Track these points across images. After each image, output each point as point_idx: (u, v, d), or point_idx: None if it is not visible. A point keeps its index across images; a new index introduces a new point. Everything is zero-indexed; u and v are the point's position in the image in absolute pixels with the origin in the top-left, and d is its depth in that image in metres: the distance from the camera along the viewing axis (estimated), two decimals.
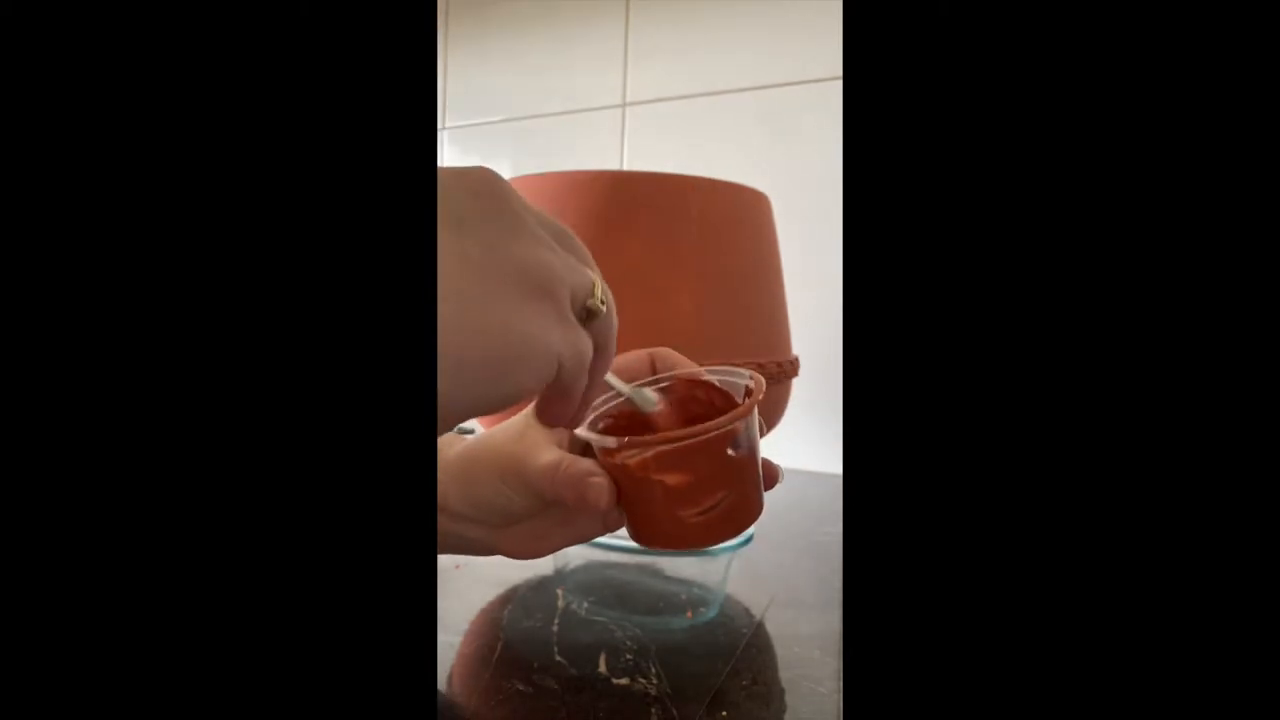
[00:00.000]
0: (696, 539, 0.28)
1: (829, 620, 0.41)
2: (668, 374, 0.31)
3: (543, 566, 0.47)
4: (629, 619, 0.39)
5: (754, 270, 0.50)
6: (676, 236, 0.46)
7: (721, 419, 0.26)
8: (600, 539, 0.52)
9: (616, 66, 0.93)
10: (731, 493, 0.28)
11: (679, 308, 0.46)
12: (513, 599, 0.42)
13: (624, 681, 0.32)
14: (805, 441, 0.81)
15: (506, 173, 0.95)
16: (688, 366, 0.31)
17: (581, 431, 0.28)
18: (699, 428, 0.26)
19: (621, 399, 0.30)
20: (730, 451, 0.27)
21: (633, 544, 0.52)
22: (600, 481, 0.27)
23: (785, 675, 0.34)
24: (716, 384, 0.31)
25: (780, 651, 0.37)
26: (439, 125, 1.04)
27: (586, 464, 0.28)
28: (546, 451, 0.29)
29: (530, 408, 0.31)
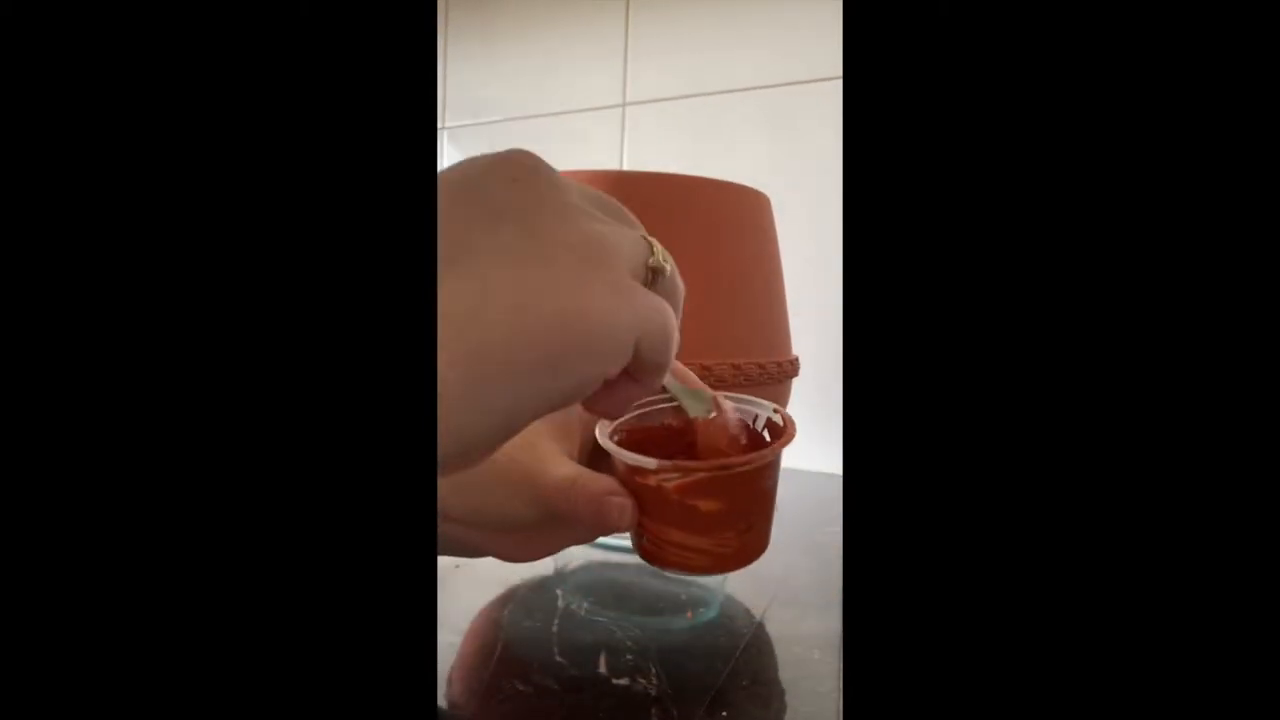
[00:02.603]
0: (710, 566, 0.28)
1: (829, 620, 0.40)
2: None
3: (543, 567, 0.47)
4: (629, 619, 0.39)
5: (754, 270, 0.49)
6: (676, 236, 0.46)
7: (764, 451, 0.25)
8: (601, 539, 0.52)
9: (616, 66, 0.93)
10: (755, 525, 0.27)
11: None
12: (513, 599, 0.41)
13: (624, 681, 0.32)
14: (805, 441, 0.81)
15: None
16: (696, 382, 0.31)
17: (606, 444, 0.27)
18: (750, 457, 0.25)
19: (629, 415, 0.29)
20: (765, 484, 0.27)
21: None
22: (622, 501, 0.26)
23: (785, 675, 0.34)
24: (731, 409, 0.30)
25: (780, 652, 0.37)
26: (439, 125, 1.04)
27: (606, 481, 0.26)
28: (559, 465, 0.27)
29: None
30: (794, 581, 0.46)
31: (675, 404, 0.29)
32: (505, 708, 0.30)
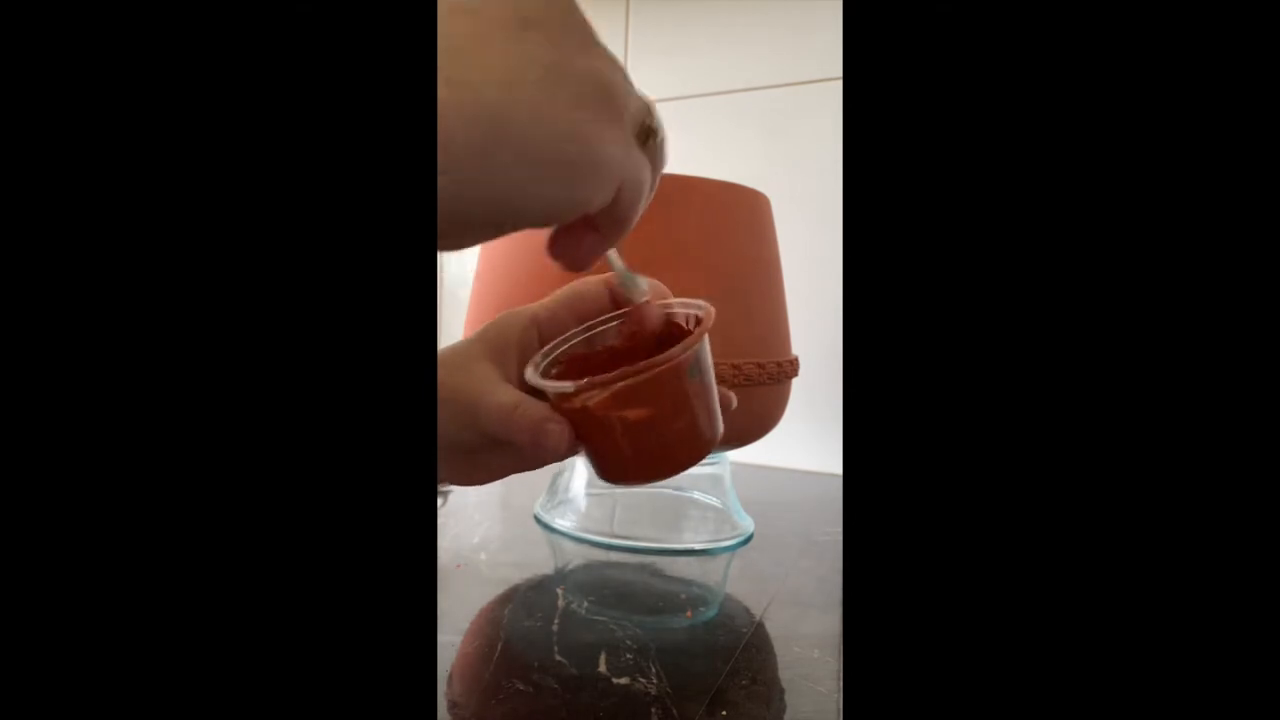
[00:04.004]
0: (661, 468, 0.28)
1: (829, 620, 0.41)
2: (623, 310, 0.31)
3: (543, 566, 0.47)
4: (629, 619, 0.39)
5: (754, 270, 0.50)
6: (677, 236, 0.46)
7: (673, 350, 0.26)
8: (600, 539, 0.52)
9: None
10: (691, 420, 0.28)
11: None
12: (513, 599, 0.42)
13: (624, 681, 0.32)
14: (805, 441, 0.81)
15: None
16: (670, 298, 0.31)
17: (532, 378, 0.28)
18: (654, 360, 0.26)
19: (571, 343, 0.30)
20: (687, 380, 0.27)
21: (633, 544, 0.52)
22: (557, 428, 0.26)
23: (785, 675, 0.34)
24: (670, 315, 0.31)
25: (780, 651, 0.37)
26: None
27: (543, 408, 0.27)
28: (500, 392, 0.27)
29: (472, 337, 0.30)
30: (794, 581, 0.46)
31: (616, 326, 0.31)
32: (505, 707, 0.30)
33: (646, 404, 0.27)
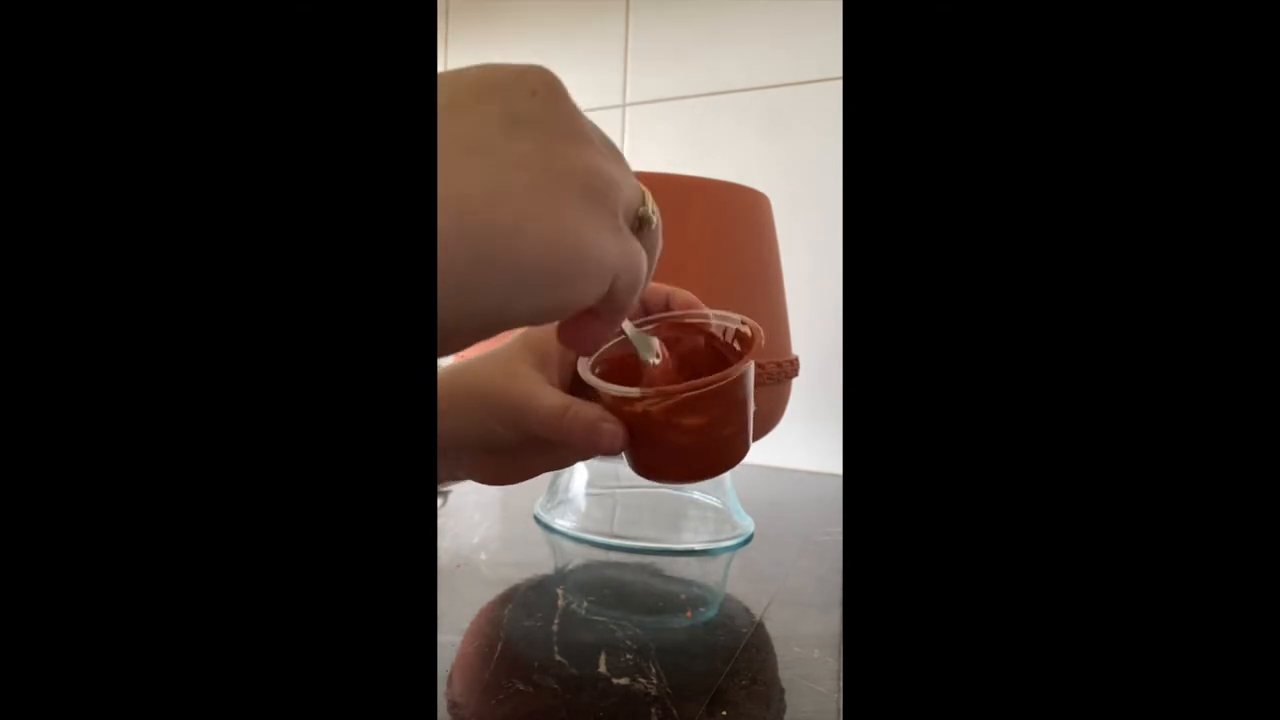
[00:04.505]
0: (704, 471, 0.31)
1: (829, 620, 0.41)
2: (655, 316, 0.32)
3: (543, 566, 0.47)
4: (629, 619, 0.39)
5: (754, 270, 0.50)
6: (677, 236, 0.46)
7: (735, 367, 0.28)
8: (600, 539, 0.52)
9: (616, 66, 0.93)
10: (736, 429, 0.30)
11: None
12: (513, 598, 0.42)
13: (624, 681, 0.32)
14: (805, 441, 0.81)
15: None
16: (700, 308, 0.32)
17: (590, 378, 0.29)
18: (720, 375, 0.27)
19: (608, 346, 0.31)
20: (740, 394, 0.29)
21: (633, 544, 0.52)
22: (612, 428, 0.28)
23: (785, 675, 0.34)
24: (703, 325, 0.32)
25: (780, 651, 0.37)
26: None
27: (595, 409, 0.28)
28: (547, 394, 0.29)
29: (513, 340, 0.31)
30: (794, 581, 0.46)
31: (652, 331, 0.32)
32: (506, 707, 0.30)
33: (705, 413, 0.29)
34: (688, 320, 0.32)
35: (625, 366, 0.31)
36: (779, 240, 0.54)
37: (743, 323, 0.31)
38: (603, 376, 0.29)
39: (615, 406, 0.29)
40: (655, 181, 0.47)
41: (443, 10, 1.04)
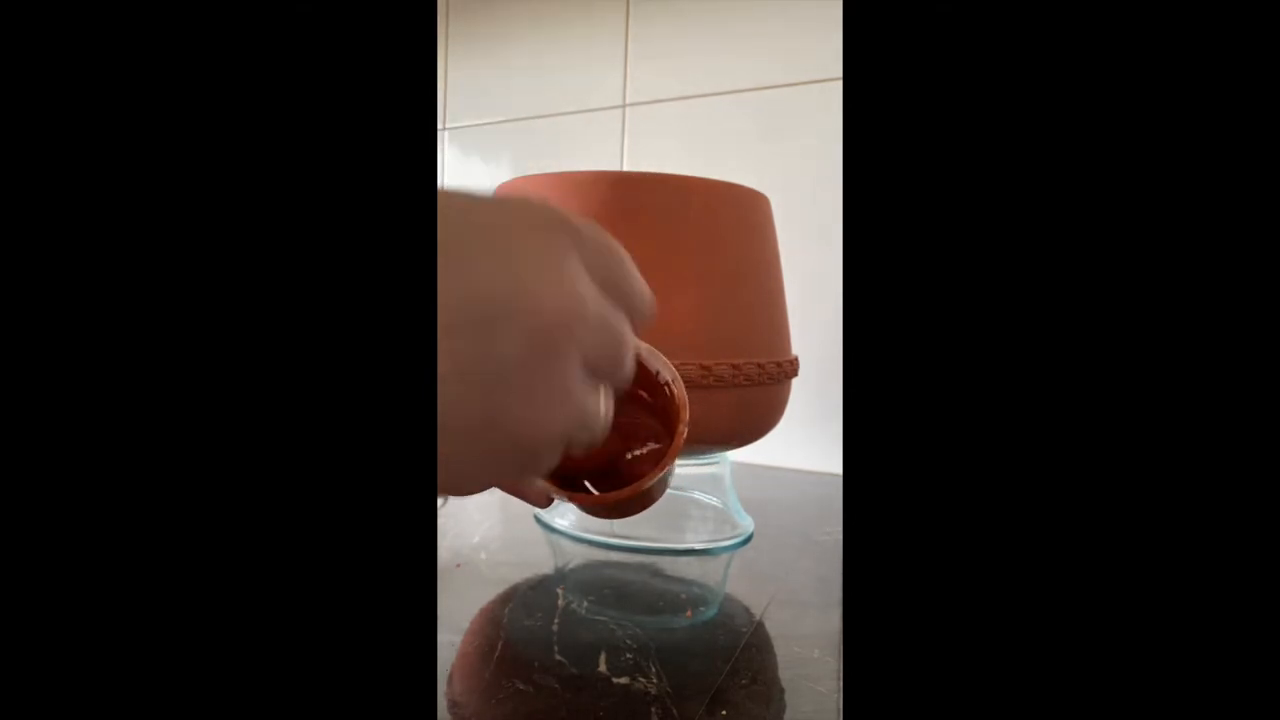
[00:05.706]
0: (620, 518, 0.36)
1: (829, 620, 0.41)
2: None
3: (543, 566, 0.47)
4: (629, 618, 0.39)
5: (754, 270, 0.49)
6: (676, 236, 0.46)
7: (648, 478, 0.30)
8: (600, 539, 0.52)
9: (616, 66, 0.93)
10: (654, 498, 0.33)
11: (679, 308, 0.46)
12: (513, 598, 0.42)
13: (624, 680, 0.32)
14: (805, 441, 0.81)
15: (506, 173, 0.95)
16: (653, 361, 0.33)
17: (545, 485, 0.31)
18: (635, 487, 0.30)
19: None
20: (664, 486, 0.32)
21: (633, 543, 0.52)
22: (540, 492, 0.31)
23: (785, 675, 0.34)
24: (640, 359, 0.32)
25: (780, 651, 0.37)
26: (439, 125, 1.04)
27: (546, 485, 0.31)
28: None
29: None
30: (794, 581, 0.46)
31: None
32: (505, 707, 0.30)
33: (626, 510, 0.33)
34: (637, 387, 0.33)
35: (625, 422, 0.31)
36: (779, 240, 0.54)
37: (671, 374, 0.32)
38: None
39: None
40: (655, 182, 0.47)
41: (443, 10, 1.04)
